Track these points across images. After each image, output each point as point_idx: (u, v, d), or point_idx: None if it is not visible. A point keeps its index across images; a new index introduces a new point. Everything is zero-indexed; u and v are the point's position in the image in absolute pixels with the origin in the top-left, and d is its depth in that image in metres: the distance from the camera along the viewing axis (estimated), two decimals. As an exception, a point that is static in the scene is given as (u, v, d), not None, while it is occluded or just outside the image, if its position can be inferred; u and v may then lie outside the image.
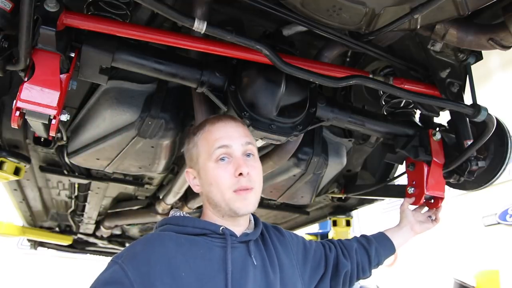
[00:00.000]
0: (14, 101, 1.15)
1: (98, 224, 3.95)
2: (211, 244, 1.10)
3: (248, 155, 1.17)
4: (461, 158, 1.67)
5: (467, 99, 1.65)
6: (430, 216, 1.74)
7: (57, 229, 4.50)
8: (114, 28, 1.26)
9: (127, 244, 4.79)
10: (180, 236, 1.09)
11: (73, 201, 3.33)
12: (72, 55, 1.28)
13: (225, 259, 1.07)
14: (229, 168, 1.13)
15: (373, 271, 1.57)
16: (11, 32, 1.12)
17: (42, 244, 5.11)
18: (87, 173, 2.65)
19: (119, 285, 0.95)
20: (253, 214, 1.28)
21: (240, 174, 1.11)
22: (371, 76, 1.60)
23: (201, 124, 1.26)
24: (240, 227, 1.19)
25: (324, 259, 1.40)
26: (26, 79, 1.17)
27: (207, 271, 1.04)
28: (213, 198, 1.15)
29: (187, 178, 1.25)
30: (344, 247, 1.49)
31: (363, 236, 1.62)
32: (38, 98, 1.15)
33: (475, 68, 1.66)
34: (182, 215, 1.18)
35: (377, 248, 1.55)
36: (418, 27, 1.28)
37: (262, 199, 2.90)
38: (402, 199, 1.83)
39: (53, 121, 1.21)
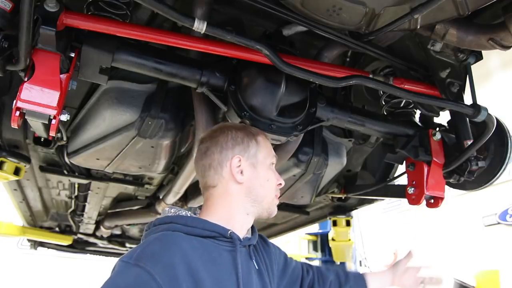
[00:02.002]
0: (14, 101, 1.14)
1: (98, 224, 3.96)
2: (219, 248, 1.09)
3: None
4: (461, 158, 1.66)
5: (467, 99, 1.65)
6: (422, 283, 1.58)
7: (57, 229, 4.50)
8: (114, 28, 1.26)
9: (127, 244, 4.79)
10: (191, 238, 1.06)
11: (73, 201, 3.33)
12: (72, 55, 1.28)
13: (235, 263, 1.08)
14: (276, 176, 1.27)
15: None
16: (11, 32, 1.12)
17: (42, 244, 5.11)
18: (87, 173, 2.65)
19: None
20: None
21: (280, 184, 1.27)
22: (371, 76, 1.60)
23: (255, 129, 1.31)
24: (245, 230, 1.20)
25: (300, 280, 1.42)
26: (26, 79, 1.17)
27: (220, 276, 1.03)
28: (260, 193, 1.20)
29: (233, 164, 1.18)
30: (321, 276, 1.48)
31: (342, 270, 1.57)
32: (38, 98, 1.15)
33: (475, 68, 1.66)
34: (188, 215, 1.15)
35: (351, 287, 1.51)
36: (418, 27, 1.28)
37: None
38: (402, 199, 1.83)
39: (53, 121, 1.21)
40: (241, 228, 1.17)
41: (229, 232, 1.10)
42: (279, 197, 1.28)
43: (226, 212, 1.16)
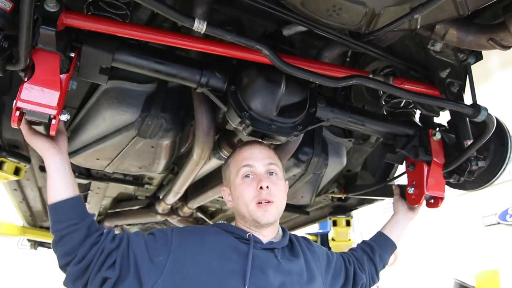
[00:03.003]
0: (14, 101, 1.14)
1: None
2: (241, 244, 1.31)
3: (271, 173, 1.38)
4: (461, 158, 1.66)
5: (467, 99, 1.65)
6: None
7: (57, 229, 4.49)
8: (114, 28, 1.26)
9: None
10: (223, 232, 1.35)
11: (73, 201, 3.32)
12: (72, 55, 1.28)
13: (247, 257, 1.25)
14: (253, 184, 1.34)
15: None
16: (11, 32, 1.12)
17: (42, 244, 5.10)
18: (87, 173, 2.65)
19: (163, 234, 1.28)
20: (282, 228, 1.45)
21: (261, 188, 1.31)
22: (371, 76, 1.60)
23: (235, 149, 1.50)
24: (266, 236, 1.36)
25: (344, 271, 1.56)
26: (26, 79, 1.16)
27: (228, 255, 1.26)
28: (240, 210, 1.36)
29: (223, 195, 1.48)
30: (358, 261, 1.64)
31: (366, 244, 1.75)
32: (38, 98, 1.15)
33: (475, 68, 1.66)
34: (223, 222, 1.44)
35: (380, 254, 1.70)
36: (418, 27, 1.28)
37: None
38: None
39: (53, 121, 1.21)
40: (261, 235, 1.35)
41: (247, 234, 1.32)
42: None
43: (240, 226, 1.40)
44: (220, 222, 1.44)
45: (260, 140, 1.51)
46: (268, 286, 1.22)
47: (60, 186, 1.23)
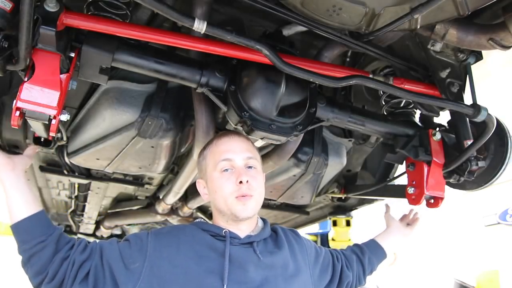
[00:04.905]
0: (14, 101, 1.14)
1: (98, 224, 3.96)
2: (217, 242, 1.29)
3: (250, 167, 1.34)
4: (461, 158, 1.67)
5: (467, 99, 1.65)
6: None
7: (57, 229, 4.49)
8: (114, 28, 1.26)
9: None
10: (199, 230, 1.32)
11: (73, 201, 3.33)
12: (72, 55, 1.28)
13: (224, 254, 1.23)
14: (232, 178, 1.29)
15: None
16: (11, 32, 1.12)
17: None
18: (87, 173, 2.64)
19: (139, 239, 1.27)
20: (263, 219, 1.43)
21: (241, 182, 1.27)
22: (371, 76, 1.60)
23: (211, 139, 1.45)
24: (243, 231, 1.33)
25: (331, 267, 1.53)
26: (26, 79, 1.16)
27: (205, 254, 1.24)
28: (218, 204, 1.32)
29: (198, 188, 1.43)
30: (347, 259, 1.63)
31: (356, 246, 1.75)
32: (38, 98, 1.15)
33: (475, 68, 1.66)
34: (200, 220, 1.41)
35: (370, 257, 1.69)
36: (418, 27, 1.28)
37: (262, 199, 2.90)
38: (402, 199, 1.84)
39: (53, 121, 1.21)
40: (238, 230, 1.32)
41: (223, 231, 1.29)
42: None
43: (217, 222, 1.37)
44: (197, 220, 1.41)
45: (238, 130, 1.48)
46: (249, 282, 1.20)
47: (20, 203, 1.21)
